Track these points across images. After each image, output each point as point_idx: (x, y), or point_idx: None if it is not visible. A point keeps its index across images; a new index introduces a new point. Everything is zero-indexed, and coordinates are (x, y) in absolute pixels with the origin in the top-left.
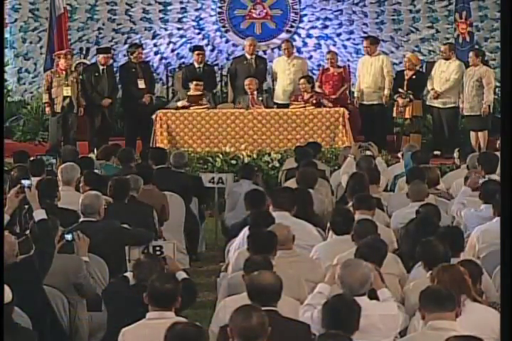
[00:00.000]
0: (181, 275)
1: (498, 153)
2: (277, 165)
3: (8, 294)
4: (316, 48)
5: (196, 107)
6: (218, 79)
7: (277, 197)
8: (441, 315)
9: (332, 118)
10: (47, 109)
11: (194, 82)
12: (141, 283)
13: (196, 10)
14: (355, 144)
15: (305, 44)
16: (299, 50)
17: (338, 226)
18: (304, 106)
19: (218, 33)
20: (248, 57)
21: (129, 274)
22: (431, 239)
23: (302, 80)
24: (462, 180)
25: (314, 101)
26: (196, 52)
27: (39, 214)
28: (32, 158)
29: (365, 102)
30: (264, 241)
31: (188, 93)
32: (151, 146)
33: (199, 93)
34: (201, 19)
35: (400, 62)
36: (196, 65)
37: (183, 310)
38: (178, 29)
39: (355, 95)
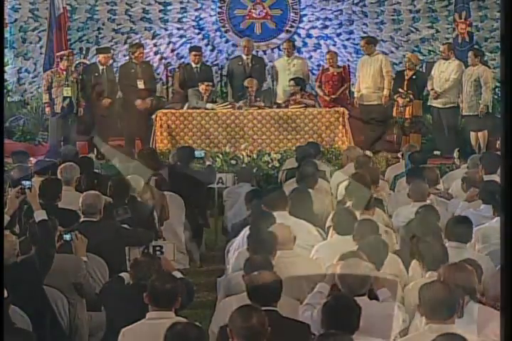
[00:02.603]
0: (177, 275)
1: (498, 153)
2: (277, 165)
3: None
4: (316, 48)
5: (224, 106)
6: (218, 79)
7: (266, 199)
8: (441, 320)
9: (332, 118)
10: (47, 109)
11: (205, 83)
12: (139, 282)
13: (196, 10)
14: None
15: (305, 44)
16: (299, 50)
17: (341, 227)
18: (305, 107)
19: (218, 33)
20: (244, 57)
21: (124, 275)
22: (430, 239)
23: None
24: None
25: (305, 104)
26: (193, 53)
27: (39, 214)
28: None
29: (364, 102)
30: (264, 241)
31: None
32: (145, 147)
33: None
34: (201, 19)
35: (400, 62)
36: (193, 65)
37: (182, 309)
38: (178, 29)
39: (355, 95)
